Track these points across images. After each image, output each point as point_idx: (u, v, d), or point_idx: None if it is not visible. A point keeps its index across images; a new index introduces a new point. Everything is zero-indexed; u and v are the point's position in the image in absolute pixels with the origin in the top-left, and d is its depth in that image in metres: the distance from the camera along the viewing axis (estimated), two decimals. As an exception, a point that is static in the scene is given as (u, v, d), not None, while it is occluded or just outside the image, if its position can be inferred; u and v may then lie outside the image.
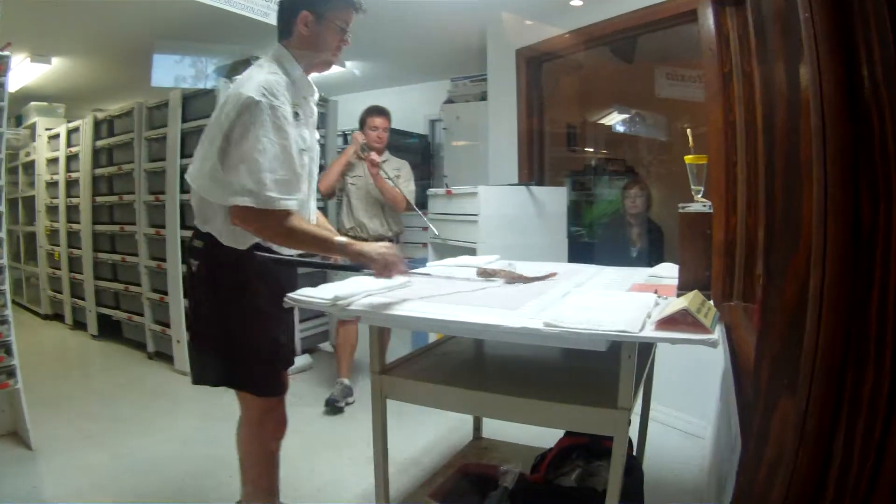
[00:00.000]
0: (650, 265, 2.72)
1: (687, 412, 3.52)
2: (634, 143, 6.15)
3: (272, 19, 3.47)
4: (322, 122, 4.59)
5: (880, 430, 0.67)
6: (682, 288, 1.92)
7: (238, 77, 2.12)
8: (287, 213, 2.00)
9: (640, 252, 4.58)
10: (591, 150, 6.34)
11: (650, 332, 1.47)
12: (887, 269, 0.64)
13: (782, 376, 0.82)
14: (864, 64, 0.64)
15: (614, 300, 1.79)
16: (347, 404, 4.12)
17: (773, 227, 0.82)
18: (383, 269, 1.98)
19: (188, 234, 4.60)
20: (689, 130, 2.02)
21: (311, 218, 2.29)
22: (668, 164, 5.95)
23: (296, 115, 2.08)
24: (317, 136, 2.32)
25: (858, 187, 0.64)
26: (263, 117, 1.93)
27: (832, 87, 0.64)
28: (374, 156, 4.21)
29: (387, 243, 2.14)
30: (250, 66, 2.14)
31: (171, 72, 5.37)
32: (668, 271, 2.36)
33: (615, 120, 5.93)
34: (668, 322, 1.47)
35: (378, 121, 4.37)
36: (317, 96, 2.29)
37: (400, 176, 4.36)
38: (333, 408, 4.01)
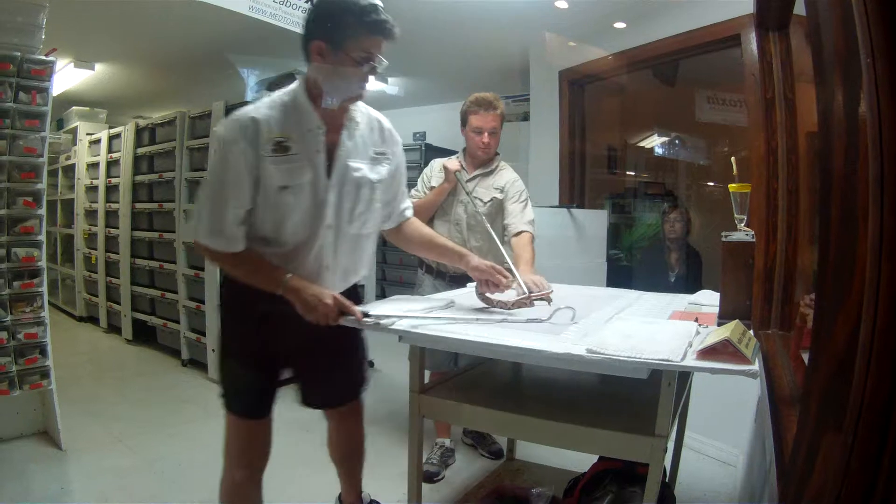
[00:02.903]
0: (688, 290, 2.71)
1: (719, 439, 3.49)
2: (674, 167, 6.14)
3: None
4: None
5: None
6: (723, 317, 1.91)
7: None
8: (225, 254, 1.98)
9: (679, 277, 4.54)
10: (632, 173, 6.33)
11: (691, 361, 1.47)
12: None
13: (829, 413, 0.83)
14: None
15: (656, 328, 1.79)
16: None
17: (826, 265, 0.82)
18: (318, 320, 1.91)
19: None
20: (733, 158, 2.02)
21: (333, 262, 2.08)
22: (708, 188, 5.92)
23: (284, 148, 1.91)
24: (360, 168, 2.07)
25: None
26: (212, 151, 2.00)
27: (892, 135, 0.65)
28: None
29: (328, 292, 1.95)
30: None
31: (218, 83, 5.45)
32: (708, 299, 2.36)
33: (655, 143, 5.92)
34: (709, 352, 1.47)
35: (485, 118, 3.22)
36: (354, 124, 2.08)
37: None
38: (431, 479, 3.21)
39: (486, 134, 3.21)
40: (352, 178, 2.05)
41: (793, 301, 2.61)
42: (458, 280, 3.08)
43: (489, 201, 3.22)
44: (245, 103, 2.08)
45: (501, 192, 3.23)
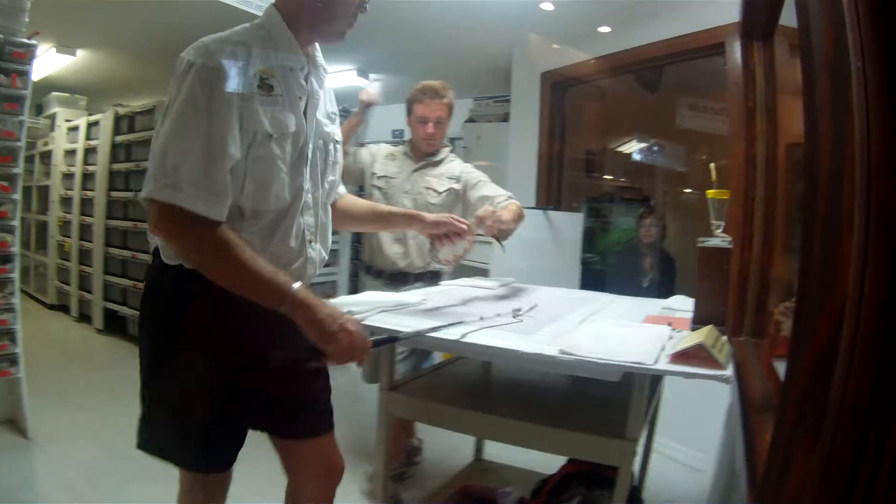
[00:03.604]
0: (661, 296, 2.70)
1: (689, 445, 3.50)
2: (652, 173, 6.16)
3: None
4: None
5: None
6: (698, 322, 1.91)
7: None
8: (212, 224, 1.44)
9: (652, 282, 4.57)
10: (610, 177, 6.35)
11: (664, 365, 1.46)
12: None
13: (806, 419, 0.81)
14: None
15: (629, 331, 1.78)
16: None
17: (809, 269, 0.81)
18: (341, 355, 1.52)
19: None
20: (712, 165, 2.01)
21: (315, 239, 1.74)
22: (685, 194, 5.96)
23: (269, 87, 1.54)
24: (327, 123, 1.77)
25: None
26: (188, 84, 1.43)
27: (881, 144, 0.64)
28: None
29: (346, 315, 1.57)
30: None
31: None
32: (681, 304, 2.35)
33: (635, 148, 5.94)
34: (682, 356, 1.46)
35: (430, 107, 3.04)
36: (321, 72, 1.74)
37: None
38: (398, 479, 3.00)
39: (430, 124, 3.01)
40: (323, 133, 1.75)
41: (766, 309, 2.62)
42: (397, 278, 3.01)
43: (445, 192, 3.01)
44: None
45: (458, 181, 3.04)
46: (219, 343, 1.59)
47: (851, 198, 0.67)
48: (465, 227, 2.13)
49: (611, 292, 2.80)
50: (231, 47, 1.50)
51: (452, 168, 3.09)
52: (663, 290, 4.32)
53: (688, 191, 6.01)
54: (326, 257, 1.81)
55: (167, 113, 1.46)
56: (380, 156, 3.19)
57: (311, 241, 1.70)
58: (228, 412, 1.65)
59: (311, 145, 1.67)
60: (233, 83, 1.46)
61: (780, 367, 1.76)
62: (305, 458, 1.78)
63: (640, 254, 4.68)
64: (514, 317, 1.93)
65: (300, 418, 1.75)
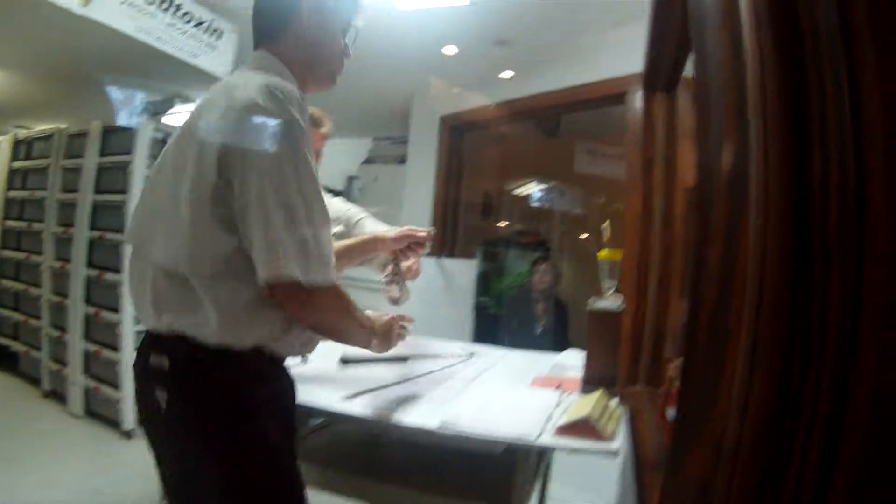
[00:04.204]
0: (555, 343, 2.66)
1: (587, 492, 3.45)
2: (550, 216, 6.21)
3: (202, 62, 3.32)
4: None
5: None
6: (588, 383, 1.86)
7: (214, 90, 1.41)
8: (336, 289, 1.36)
9: (545, 329, 4.53)
10: (507, 221, 6.37)
11: (549, 439, 1.41)
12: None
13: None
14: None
15: (515, 397, 1.72)
16: None
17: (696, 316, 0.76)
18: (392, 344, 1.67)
19: (94, 272, 4.38)
20: (606, 224, 1.96)
21: None
22: (581, 240, 6.03)
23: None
24: None
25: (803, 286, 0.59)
26: (294, 140, 1.26)
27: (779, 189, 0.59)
28: None
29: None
30: (226, 78, 1.49)
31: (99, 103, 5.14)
32: (573, 360, 2.30)
33: (533, 191, 5.98)
34: (568, 428, 1.40)
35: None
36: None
37: None
38: None
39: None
40: None
41: (661, 358, 2.61)
42: None
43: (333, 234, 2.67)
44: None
45: (338, 222, 2.71)
46: (287, 416, 1.42)
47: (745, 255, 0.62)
48: (424, 234, 2.07)
49: (503, 339, 2.75)
50: (299, 94, 1.34)
51: (331, 207, 2.87)
52: (556, 337, 4.32)
53: (584, 236, 6.08)
54: None
55: (234, 169, 1.25)
56: None
57: None
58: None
59: None
60: (308, 136, 1.32)
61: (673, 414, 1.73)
62: None
63: (534, 300, 4.65)
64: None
65: None
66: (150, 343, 1.35)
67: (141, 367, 1.37)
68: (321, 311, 1.36)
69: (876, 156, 0.54)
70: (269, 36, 1.48)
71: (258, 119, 1.23)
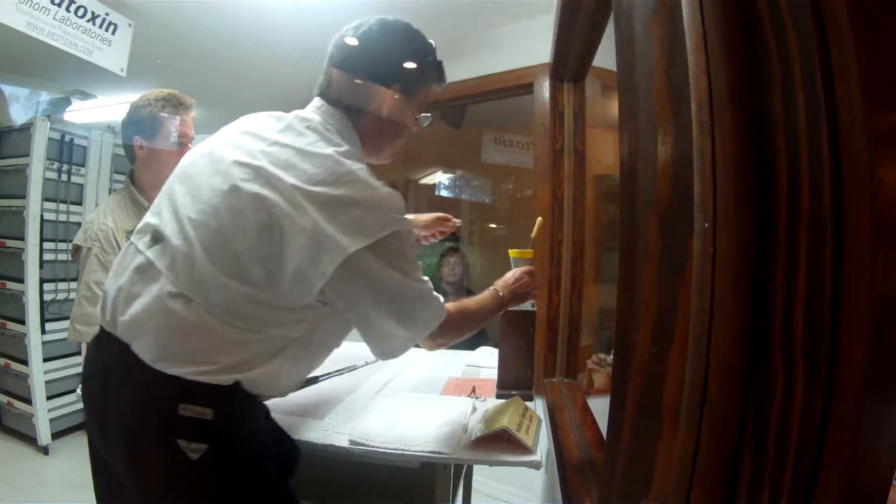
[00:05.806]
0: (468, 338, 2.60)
1: (512, 484, 3.43)
2: (458, 206, 6.16)
3: (96, 58, 3.15)
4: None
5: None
6: (502, 387, 1.82)
7: (286, 137, 1.34)
8: (448, 315, 1.39)
9: (457, 323, 4.48)
10: (413, 212, 6.28)
11: (466, 453, 1.35)
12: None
13: None
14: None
15: (427, 408, 1.63)
16: None
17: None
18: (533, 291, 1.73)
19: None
20: (539, 220, 1.86)
21: None
22: (491, 229, 6.01)
23: None
24: None
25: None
26: (395, 246, 1.27)
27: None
28: None
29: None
30: (298, 125, 1.39)
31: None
32: (486, 359, 2.25)
33: (439, 180, 5.90)
34: (487, 441, 1.36)
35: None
36: None
37: None
38: None
39: (188, 145, 2.29)
40: None
41: (578, 349, 2.61)
42: None
43: None
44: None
45: None
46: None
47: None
48: (452, 224, 2.08)
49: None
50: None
51: None
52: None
53: (493, 226, 6.08)
54: None
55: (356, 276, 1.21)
56: None
57: None
58: None
59: None
60: None
61: (594, 406, 1.76)
62: None
63: (444, 293, 4.57)
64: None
65: None
66: (179, 393, 1.14)
67: (168, 422, 1.15)
68: (448, 337, 1.42)
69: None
70: (345, 105, 1.45)
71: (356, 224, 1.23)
